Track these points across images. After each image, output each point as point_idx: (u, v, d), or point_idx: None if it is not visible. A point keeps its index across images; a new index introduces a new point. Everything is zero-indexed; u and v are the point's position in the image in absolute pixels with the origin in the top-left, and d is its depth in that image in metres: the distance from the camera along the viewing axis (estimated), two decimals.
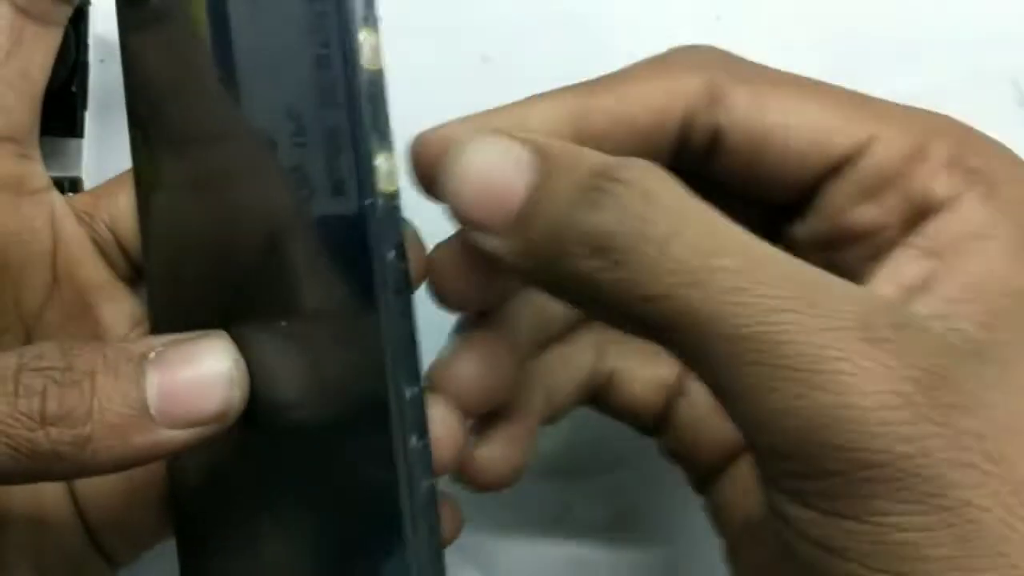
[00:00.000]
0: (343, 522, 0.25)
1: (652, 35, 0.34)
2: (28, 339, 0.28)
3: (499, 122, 0.26)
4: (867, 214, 0.26)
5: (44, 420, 0.22)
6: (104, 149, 0.34)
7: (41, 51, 0.27)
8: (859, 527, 0.20)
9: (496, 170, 0.23)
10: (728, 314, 0.21)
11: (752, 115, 0.26)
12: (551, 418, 0.29)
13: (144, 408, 0.23)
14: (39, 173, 0.28)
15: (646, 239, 0.21)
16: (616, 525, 0.34)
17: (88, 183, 0.33)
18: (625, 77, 0.27)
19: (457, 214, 0.24)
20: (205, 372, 0.24)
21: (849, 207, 0.26)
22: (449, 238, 0.26)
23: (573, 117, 0.26)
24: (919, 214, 0.25)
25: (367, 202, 0.23)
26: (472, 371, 0.27)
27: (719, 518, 0.29)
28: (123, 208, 0.28)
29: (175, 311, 0.27)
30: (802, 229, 0.27)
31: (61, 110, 0.33)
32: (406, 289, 0.24)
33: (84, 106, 0.33)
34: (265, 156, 0.24)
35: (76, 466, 0.23)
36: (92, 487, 0.28)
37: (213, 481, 0.27)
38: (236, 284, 0.25)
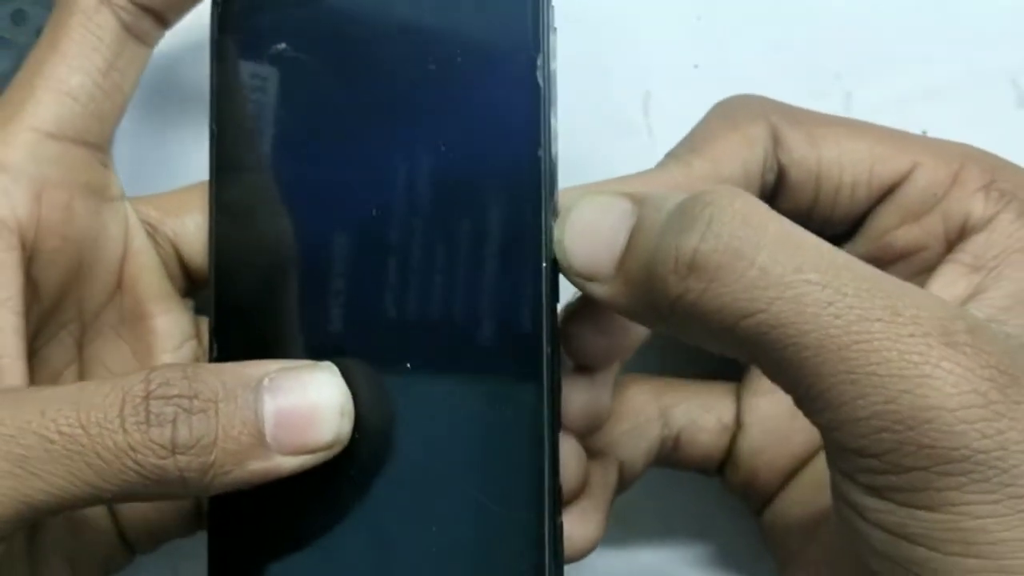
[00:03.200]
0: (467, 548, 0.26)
1: (635, 33, 0.34)
2: (83, 336, 0.29)
3: (607, 187, 0.28)
4: (910, 234, 0.29)
5: (175, 448, 0.23)
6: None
7: (135, 69, 0.29)
8: (934, 516, 0.22)
9: (600, 222, 0.25)
10: (819, 325, 0.22)
11: (809, 153, 0.29)
12: (622, 489, 0.31)
13: (261, 435, 0.24)
14: (116, 182, 0.29)
15: (738, 256, 0.22)
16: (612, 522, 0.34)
17: None
18: (707, 138, 0.29)
19: (570, 270, 0.25)
20: (319, 402, 0.25)
21: (894, 229, 0.29)
22: (572, 301, 0.28)
23: (680, 186, 0.28)
24: (959, 233, 0.28)
25: (544, 265, 0.26)
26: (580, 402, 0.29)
27: (774, 532, 0.31)
28: (191, 229, 0.29)
29: (259, 336, 0.27)
30: (850, 250, 0.29)
31: None
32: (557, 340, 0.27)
33: None
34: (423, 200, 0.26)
35: (195, 489, 0.24)
36: None
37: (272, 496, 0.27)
38: (359, 321, 0.27)
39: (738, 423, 0.31)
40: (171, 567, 0.34)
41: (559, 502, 0.26)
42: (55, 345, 0.28)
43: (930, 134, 0.33)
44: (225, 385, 0.24)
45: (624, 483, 0.31)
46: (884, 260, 0.29)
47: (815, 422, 0.23)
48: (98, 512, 0.29)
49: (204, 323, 0.29)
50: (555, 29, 0.26)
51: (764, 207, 0.23)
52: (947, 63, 0.35)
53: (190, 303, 0.30)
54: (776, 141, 0.29)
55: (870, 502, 0.23)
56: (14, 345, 0.26)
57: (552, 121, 0.26)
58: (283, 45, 0.27)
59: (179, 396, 0.24)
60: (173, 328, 0.29)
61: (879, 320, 0.22)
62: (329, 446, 0.25)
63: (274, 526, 0.27)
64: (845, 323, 0.22)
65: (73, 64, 0.27)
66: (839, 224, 0.29)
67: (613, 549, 0.35)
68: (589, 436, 0.30)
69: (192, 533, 0.30)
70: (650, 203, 0.24)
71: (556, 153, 0.26)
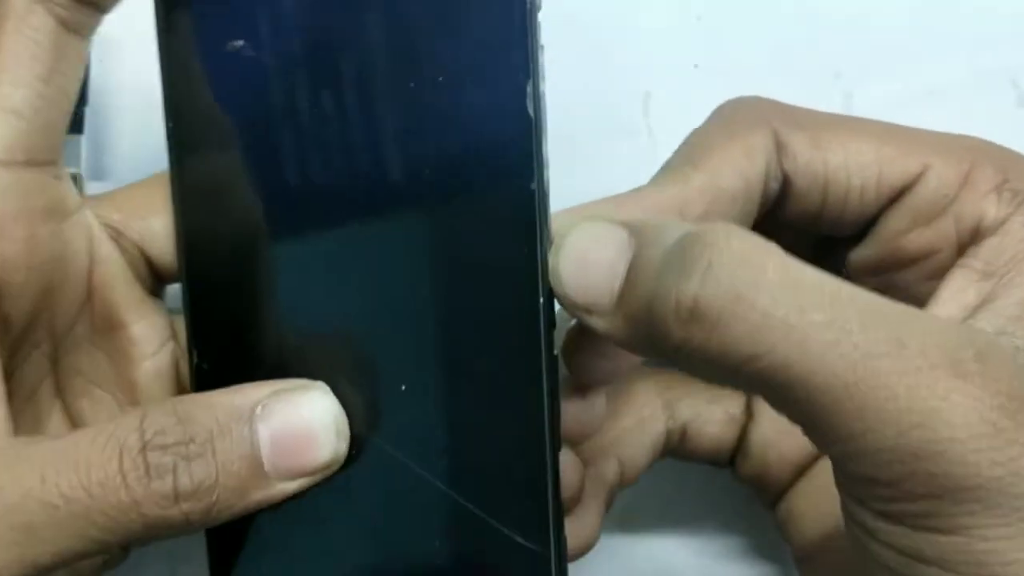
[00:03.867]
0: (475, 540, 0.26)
1: (635, 33, 0.34)
2: (56, 350, 0.28)
3: (601, 211, 0.27)
4: (921, 238, 0.28)
5: (178, 498, 0.23)
6: (103, 145, 0.34)
7: (76, 67, 0.27)
8: (947, 539, 0.22)
9: (596, 254, 0.24)
10: (825, 365, 0.21)
11: (815, 159, 0.28)
12: (625, 484, 0.31)
13: (260, 466, 0.24)
14: (72, 193, 0.27)
15: (739, 300, 0.22)
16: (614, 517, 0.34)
17: (87, 178, 0.34)
18: (705, 150, 0.28)
19: (566, 302, 0.25)
20: (313, 423, 0.25)
21: (905, 233, 0.28)
22: (573, 326, 0.28)
23: (677, 203, 0.27)
24: (971, 236, 0.27)
25: (542, 300, 0.25)
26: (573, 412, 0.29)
27: (789, 527, 0.31)
28: (156, 230, 0.28)
29: (238, 340, 0.27)
30: (860, 254, 0.29)
31: None
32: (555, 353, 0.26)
33: (85, 103, 0.33)
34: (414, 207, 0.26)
35: (198, 527, 0.24)
36: None
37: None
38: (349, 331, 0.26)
39: (749, 414, 0.31)
40: (170, 570, 0.34)
41: (561, 519, 0.26)
42: (28, 365, 0.28)
43: None
44: (218, 421, 0.24)
45: (626, 480, 0.31)
46: (895, 264, 0.28)
47: (825, 453, 0.23)
48: None
49: (180, 321, 0.28)
50: (543, 47, 0.25)
51: (762, 243, 0.23)
52: (947, 63, 0.35)
53: (162, 303, 0.30)
54: (779, 148, 0.28)
55: (882, 525, 0.22)
56: None
57: (544, 147, 0.25)
58: (240, 41, 0.26)
59: (176, 444, 0.24)
60: (149, 333, 0.28)
61: (886, 356, 0.21)
62: (327, 466, 0.25)
63: (273, 527, 0.26)
64: (851, 361, 0.21)
65: (13, 77, 0.25)
66: (848, 227, 0.29)
67: (618, 539, 0.35)
68: (582, 443, 0.30)
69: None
70: (648, 236, 0.24)
71: (548, 180, 0.26)
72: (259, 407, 0.25)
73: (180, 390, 0.28)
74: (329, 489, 0.26)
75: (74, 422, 0.28)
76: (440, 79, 0.25)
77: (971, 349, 0.22)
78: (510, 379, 0.26)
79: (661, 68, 0.35)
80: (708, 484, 0.34)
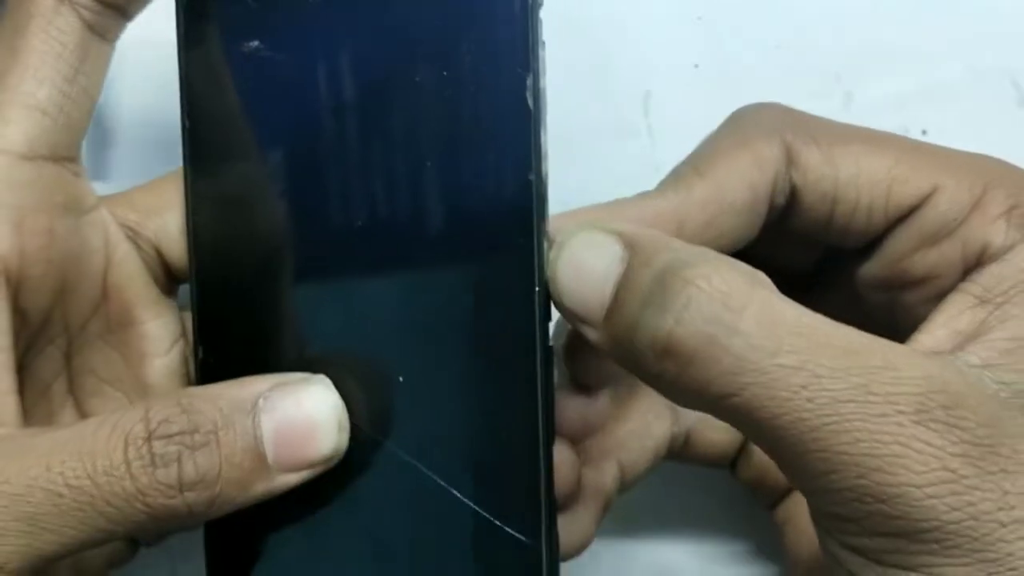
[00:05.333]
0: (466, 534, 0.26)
1: (635, 33, 0.34)
2: (70, 347, 0.28)
3: (602, 217, 0.27)
4: (927, 260, 0.27)
5: (182, 487, 0.24)
6: (103, 145, 0.34)
7: (100, 69, 0.27)
8: (908, 574, 0.22)
9: (591, 264, 0.25)
10: (792, 409, 0.22)
11: (824, 174, 0.28)
12: (624, 488, 0.31)
13: (263, 458, 0.24)
14: (90, 190, 0.28)
15: (712, 342, 0.22)
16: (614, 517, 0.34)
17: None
18: (713, 157, 0.28)
19: (561, 308, 0.25)
20: (315, 416, 0.25)
21: (911, 253, 0.28)
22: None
23: (679, 213, 0.27)
24: (977, 261, 0.27)
25: (538, 289, 0.25)
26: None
27: (785, 532, 0.32)
28: (171, 230, 0.28)
29: (241, 336, 0.27)
30: (868, 270, 0.29)
31: None
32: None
33: None
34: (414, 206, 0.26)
35: (201, 519, 0.24)
36: None
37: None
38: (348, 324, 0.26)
39: None
40: (170, 569, 0.34)
41: (554, 513, 0.26)
42: (42, 360, 0.28)
43: (930, 134, 0.33)
44: (222, 412, 0.24)
45: (627, 483, 0.31)
46: (900, 284, 0.28)
47: (795, 486, 0.24)
48: None
49: (189, 319, 0.29)
50: (544, 43, 0.26)
51: (747, 281, 0.23)
52: (947, 63, 0.35)
53: (175, 302, 0.30)
54: (790, 161, 0.28)
55: (849, 556, 0.23)
56: (4, 381, 0.25)
57: (543, 139, 0.26)
58: (256, 42, 0.26)
59: (180, 433, 0.24)
60: (162, 332, 0.29)
61: (851, 401, 0.22)
62: (328, 459, 0.25)
63: (272, 524, 0.27)
64: (817, 406, 0.22)
65: (39, 75, 0.26)
66: (854, 241, 0.28)
67: (616, 541, 0.35)
68: (584, 440, 0.30)
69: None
70: (640, 253, 0.24)
71: (546, 172, 0.26)
72: (262, 399, 0.25)
73: None
74: (324, 482, 0.26)
75: None
76: (445, 73, 0.26)
77: (942, 395, 0.22)
78: (504, 369, 0.26)
79: (661, 68, 0.35)
80: (708, 485, 0.34)
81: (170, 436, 0.24)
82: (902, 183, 0.27)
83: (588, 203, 0.28)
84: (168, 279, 0.29)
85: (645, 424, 0.31)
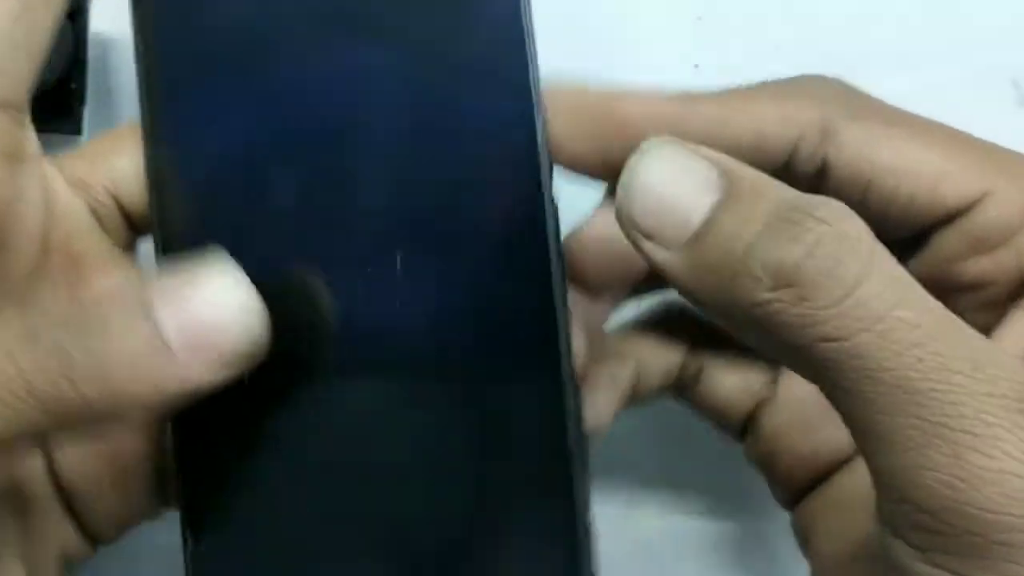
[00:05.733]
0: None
1: (635, 33, 0.34)
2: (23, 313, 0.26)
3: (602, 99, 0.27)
4: (978, 266, 0.26)
5: (72, 370, 0.22)
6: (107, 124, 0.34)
7: (49, 14, 0.25)
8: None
9: (679, 184, 0.23)
10: (900, 365, 0.21)
11: (862, 155, 0.26)
12: (635, 399, 0.29)
13: (165, 346, 0.22)
14: (33, 139, 0.26)
15: (836, 279, 0.21)
16: (632, 500, 0.34)
17: None
18: (742, 94, 0.27)
19: (627, 218, 0.23)
20: (217, 297, 0.23)
21: (960, 258, 0.27)
22: (586, 223, 0.27)
23: (671, 119, 0.26)
24: None
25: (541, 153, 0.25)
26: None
27: (808, 540, 0.29)
28: (125, 171, 0.27)
29: None
30: (912, 267, 0.27)
31: (60, 108, 0.33)
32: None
33: (83, 103, 0.33)
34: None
35: (106, 417, 0.22)
36: (74, 465, 0.27)
37: (250, 456, 0.26)
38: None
39: (769, 395, 0.30)
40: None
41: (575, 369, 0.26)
42: None
43: None
44: (114, 299, 0.23)
45: (637, 392, 0.29)
46: (947, 288, 0.26)
47: (873, 466, 0.22)
48: (51, 504, 0.27)
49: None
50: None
51: (870, 234, 0.22)
52: (947, 63, 0.35)
53: (133, 257, 0.28)
54: (826, 133, 0.26)
55: (919, 566, 0.22)
56: None
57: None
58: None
59: (67, 322, 0.22)
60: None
61: (960, 372, 0.21)
62: (241, 345, 0.23)
63: (254, 449, 0.26)
64: (927, 368, 0.21)
65: None
66: (892, 232, 0.26)
67: (626, 520, 0.35)
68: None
69: (158, 514, 0.29)
70: (748, 187, 0.23)
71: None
72: (156, 286, 0.23)
73: None
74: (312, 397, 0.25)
75: None
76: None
77: None
78: (511, 225, 0.25)
79: (661, 68, 0.35)
80: (718, 468, 0.34)
81: (62, 323, 0.22)
82: (950, 182, 0.26)
83: (591, 207, 0.28)
84: (129, 232, 0.28)
85: (668, 340, 0.30)
